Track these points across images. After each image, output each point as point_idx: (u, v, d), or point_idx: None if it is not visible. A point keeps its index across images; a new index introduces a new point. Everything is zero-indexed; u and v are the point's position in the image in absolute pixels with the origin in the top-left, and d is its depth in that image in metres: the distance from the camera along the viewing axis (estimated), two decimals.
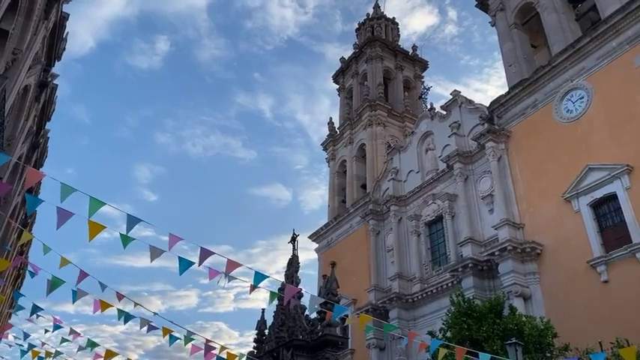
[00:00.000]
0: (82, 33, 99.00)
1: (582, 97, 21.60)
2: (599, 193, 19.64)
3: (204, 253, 9.09)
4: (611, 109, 20.26)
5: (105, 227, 8.80)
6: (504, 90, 25.45)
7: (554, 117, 22.49)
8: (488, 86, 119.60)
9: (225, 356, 11.78)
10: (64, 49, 16.32)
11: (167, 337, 11.23)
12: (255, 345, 19.24)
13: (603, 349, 12.46)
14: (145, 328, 10.92)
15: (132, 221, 8.75)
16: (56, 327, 13.08)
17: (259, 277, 9.67)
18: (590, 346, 13.98)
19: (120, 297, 9.24)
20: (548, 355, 14.98)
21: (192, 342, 11.41)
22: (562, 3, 25.03)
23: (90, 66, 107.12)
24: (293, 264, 19.38)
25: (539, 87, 23.54)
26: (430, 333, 17.53)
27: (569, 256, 19.74)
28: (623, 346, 10.96)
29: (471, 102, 28.13)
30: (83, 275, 9.59)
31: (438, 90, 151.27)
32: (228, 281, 9.24)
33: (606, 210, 19.55)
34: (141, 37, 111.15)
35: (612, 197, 19.27)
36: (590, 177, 20.04)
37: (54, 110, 18.24)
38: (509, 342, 11.95)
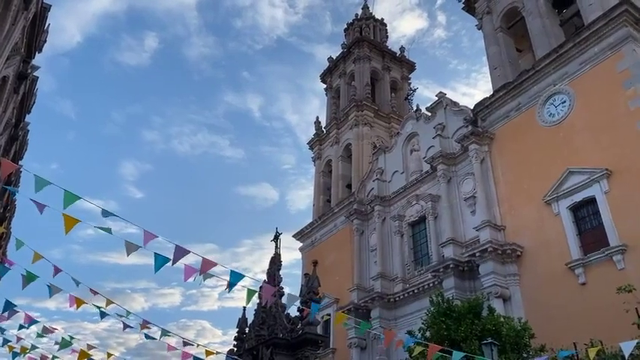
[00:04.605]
0: (70, 27, 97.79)
1: (565, 102, 21.87)
2: (578, 197, 19.90)
3: (179, 252, 9.02)
4: (593, 114, 20.54)
5: (79, 221, 8.72)
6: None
7: (537, 120, 22.73)
8: (476, 90, 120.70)
9: (203, 354, 11.74)
10: (45, 40, 16.08)
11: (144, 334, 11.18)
12: (235, 343, 19.17)
13: (577, 350, 12.62)
14: (122, 325, 10.85)
15: (106, 215, 8.70)
16: (33, 322, 12.90)
17: (235, 275, 9.62)
18: (565, 347, 14.15)
19: (94, 293, 9.12)
20: (525, 355, 15.14)
21: (168, 337, 11.34)
22: (547, 8, 25.31)
23: (77, 61, 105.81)
24: (275, 262, 19.35)
25: (523, 90, 23.77)
26: (410, 332, 17.61)
27: (549, 258, 19.99)
28: (595, 347, 11.12)
29: (455, 104, 28.32)
30: (57, 271, 9.49)
31: (427, 93, 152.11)
32: (204, 280, 9.17)
33: (585, 213, 19.82)
34: (129, 33, 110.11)
35: (591, 201, 19.54)
36: (571, 180, 20.30)
37: (34, 103, 17.96)
38: (485, 342, 12.06)
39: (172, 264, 8.41)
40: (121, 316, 9.87)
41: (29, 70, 15.68)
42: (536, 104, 22.97)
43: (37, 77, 16.97)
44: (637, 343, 9.17)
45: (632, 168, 18.43)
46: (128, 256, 8.88)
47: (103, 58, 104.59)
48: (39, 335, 13.20)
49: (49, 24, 16.01)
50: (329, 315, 29.60)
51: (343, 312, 26.01)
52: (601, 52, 20.91)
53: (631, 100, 19.32)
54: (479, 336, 14.80)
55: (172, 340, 11.60)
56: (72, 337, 12.37)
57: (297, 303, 15.16)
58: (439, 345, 11.59)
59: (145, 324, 10.84)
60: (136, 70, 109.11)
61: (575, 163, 20.31)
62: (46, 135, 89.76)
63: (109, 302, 9.40)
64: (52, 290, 9.59)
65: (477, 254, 21.32)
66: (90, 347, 12.05)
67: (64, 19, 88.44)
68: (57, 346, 13.33)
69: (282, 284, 18.51)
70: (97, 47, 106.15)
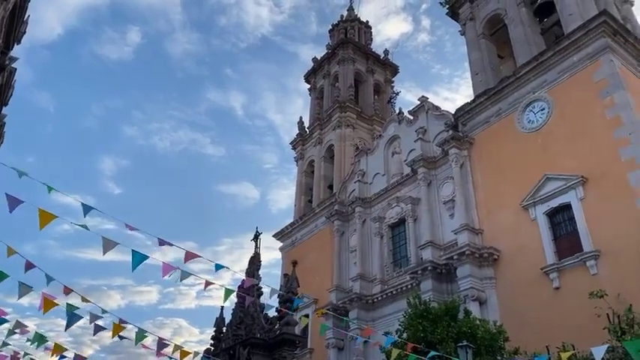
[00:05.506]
0: (50, 19, 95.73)
1: (543, 109, 22.27)
2: (554, 203, 20.28)
3: (163, 244, 8.97)
4: (570, 122, 20.95)
5: (56, 217, 8.57)
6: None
7: (516, 126, 23.10)
8: (457, 95, 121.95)
9: (178, 354, 11.62)
10: (25, 32, 15.75)
11: (120, 333, 10.97)
12: (212, 342, 19.05)
13: (550, 353, 12.86)
14: (96, 323, 10.63)
15: (86, 209, 8.59)
16: (2, 321, 12.58)
17: (219, 268, 9.61)
18: (538, 350, 14.42)
19: (67, 291, 8.95)
20: (499, 358, 15.38)
21: (145, 340, 11.17)
22: (528, 16, 25.76)
23: (57, 53, 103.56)
24: (254, 262, 19.27)
25: (504, 97, 24.14)
26: (387, 334, 17.72)
27: (525, 262, 20.32)
28: (567, 351, 11.35)
29: (437, 108, 28.60)
30: (29, 266, 9.28)
31: (409, 97, 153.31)
32: (183, 277, 9.10)
33: (561, 219, 20.20)
34: (111, 26, 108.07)
35: (567, 207, 19.92)
36: (548, 186, 20.67)
37: (11, 95, 17.56)
38: (460, 344, 12.23)
39: (160, 244, 8.37)
40: (97, 316, 9.67)
41: (7, 62, 15.34)
42: (516, 111, 23.35)
43: (15, 69, 16.59)
44: (607, 347, 9.38)
45: (607, 176, 18.87)
46: (104, 254, 8.78)
47: (83, 50, 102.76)
48: (10, 332, 12.91)
49: (29, 15, 15.70)
50: (307, 316, 29.59)
51: (318, 309, 26.11)
52: (579, 62, 21.36)
53: (607, 109, 19.77)
54: (455, 338, 14.97)
55: (148, 339, 11.43)
56: (42, 337, 12.09)
57: (277, 297, 15.16)
58: (415, 347, 11.72)
59: (120, 323, 10.67)
60: (118, 65, 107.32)
61: (553, 169, 20.69)
62: (23, 127, 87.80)
63: (84, 300, 9.23)
64: (22, 290, 9.31)
65: (455, 257, 21.57)
66: (58, 348, 11.69)
67: (44, 10, 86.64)
68: (29, 343, 13.04)
69: (261, 284, 18.46)
70: (78, 40, 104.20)
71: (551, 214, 20.46)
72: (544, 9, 26.40)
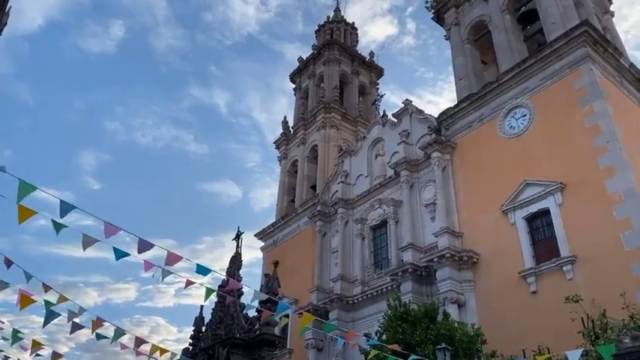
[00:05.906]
0: (31, 9, 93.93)
1: (525, 115, 22.61)
2: (533, 208, 20.60)
3: (143, 245, 8.88)
4: (551, 129, 21.31)
5: (35, 212, 8.43)
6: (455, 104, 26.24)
7: (498, 132, 23.42)
8: (441, 99, 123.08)
9: (157, 353, 11.51)
10: (6, 23, 15.41)
11: (100, 331, 10.84)
12: (191, 342, 18.92)
13: (526, 356, 13.09)
14: (73, 321, 10.48)
15: (65, 207, 8.46)
16: None
17: (201, 269, 9.55)
18: (515, 353, 14.66)
19: (46, 288, 8.82)
20: None
21: (123, 337, 11.06)
22: (512, 23, 26.15)
23: (37, 44, 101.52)
24: (235, 262, 19.19)
25: (486, 102, 24.44)
26: (366, 335, 17.82)
27: (503, 266, 20.61)
28: (543, 354, 11.57)
29: (421, 112, 28.84)
30: (8, 263, 9.13)
31: (393, 99, 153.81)
32: (162, 277, 9.03)
33: (539, 224, 20.53)
34: (94, 19, 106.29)
35: (545, 212, 20.26)
36: (527, 192, 20.98)
37: None
38: (439, 347, 12.35)
39: (138, 252, 8.28)
40: (75, 313, 9.54)
41: None
42: (498, 116, 23.66)
43: None
44: (582, 351, 9.58)
45: (585, 183, 19.22)
46: (84, 250, 8.67)
47: (65, 43, 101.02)
48: None
49: (10, 7, 15.37)
50: (287, 316, 29.57)
51: (304, 312, 26.09)
52: (560, 70, 21.74)
53: (586, 117, 20.15)
54: (433, 340, 15.11)
55: (125, 337, 11.32)
56: (18, 332, 11.87)
57: (257, 302, 15.10)
58: (394, 349, 11.80)
59: (98, 321, 10.54)
60: (100, 58, 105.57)
61: (532, 175, 21.00)
62: (0, 119, 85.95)
63: (62, 299, 9.08)
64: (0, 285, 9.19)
65: (435, 260, 21.77)
66: (36, 344, 11.53)
67: (25, 1, 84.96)
68: (2, 341, 12.76)
69: (242, 284, 18.36)
70: (60, 32, 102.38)
71: (530, 219, 20.78)
72: (527, 16, 26.84)
